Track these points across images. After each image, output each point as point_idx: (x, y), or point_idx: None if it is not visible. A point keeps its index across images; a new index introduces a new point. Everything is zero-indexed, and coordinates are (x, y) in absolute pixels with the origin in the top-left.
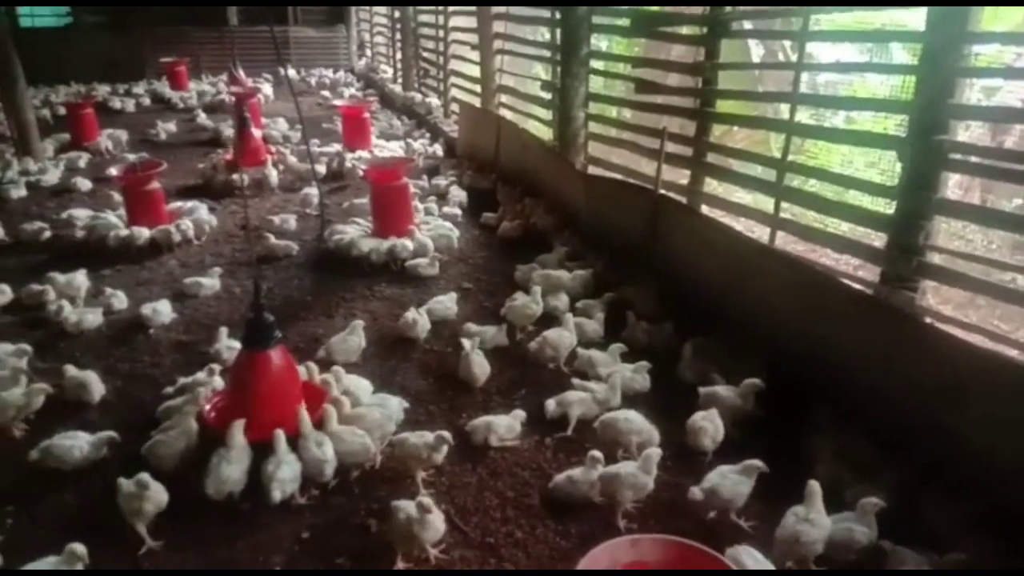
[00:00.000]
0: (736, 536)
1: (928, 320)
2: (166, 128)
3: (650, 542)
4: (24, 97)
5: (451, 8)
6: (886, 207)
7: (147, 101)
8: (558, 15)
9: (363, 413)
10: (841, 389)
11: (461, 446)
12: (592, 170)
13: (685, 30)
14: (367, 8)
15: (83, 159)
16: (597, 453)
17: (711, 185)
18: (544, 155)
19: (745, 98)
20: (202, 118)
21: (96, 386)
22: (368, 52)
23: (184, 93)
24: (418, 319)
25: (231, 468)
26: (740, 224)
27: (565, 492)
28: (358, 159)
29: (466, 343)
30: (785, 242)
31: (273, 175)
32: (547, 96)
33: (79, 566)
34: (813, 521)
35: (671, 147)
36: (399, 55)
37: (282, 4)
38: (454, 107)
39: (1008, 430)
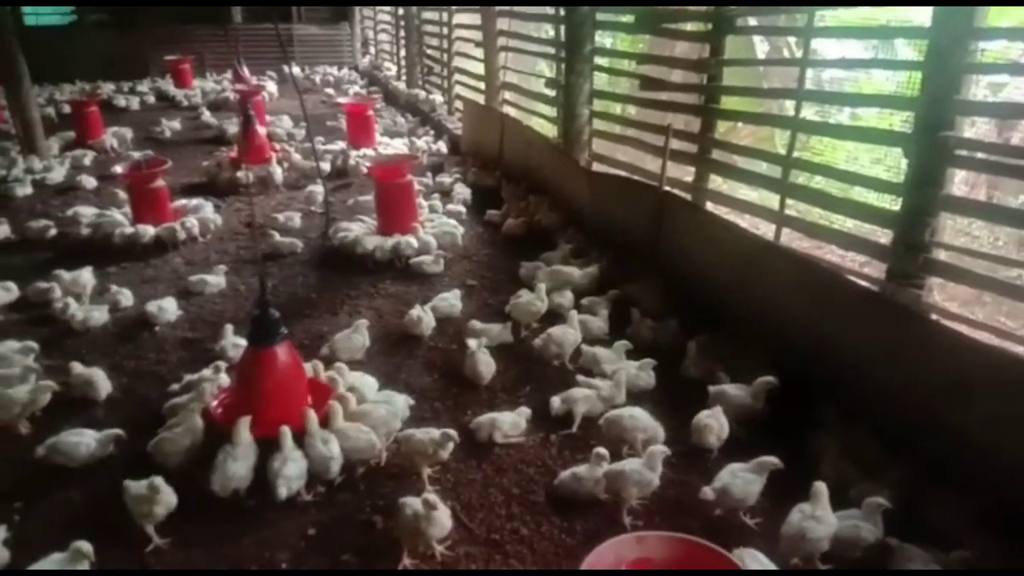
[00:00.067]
0: (742, 533)
1: (934, 317)
2: (171, 126)
3: (656, 539)
4: (29, 95)
5: (455, 5)
6: (892, 203)
7: (151, 99)
8: (562, 12)
9: (368, 410)
10: (846, 386)
11: (466, 443)
12: (596, 167)
13: (690, 26)
14: (371, 5)
15: (88, 157)
16: (602, 450)
17: (716, 182)
18: (548, 152)
19: (750, 94)
20: (206, 116)
21: (102, 383)
22: (372, 49)
23: (188, 91)
24: (423, 316)
25: (237, 465)
26: (745, 221)
27: (570, 489)
28: (362, 156)
29: (472, 343)
30: (790, 239)
31: (278, 173)
32: (551, 93)
33: (85, 563)
34: (819, 518)
35: (676, 144)
36: (403, 52)
37: (287, 4)
38: (458, 104)
39: (1014, 427)
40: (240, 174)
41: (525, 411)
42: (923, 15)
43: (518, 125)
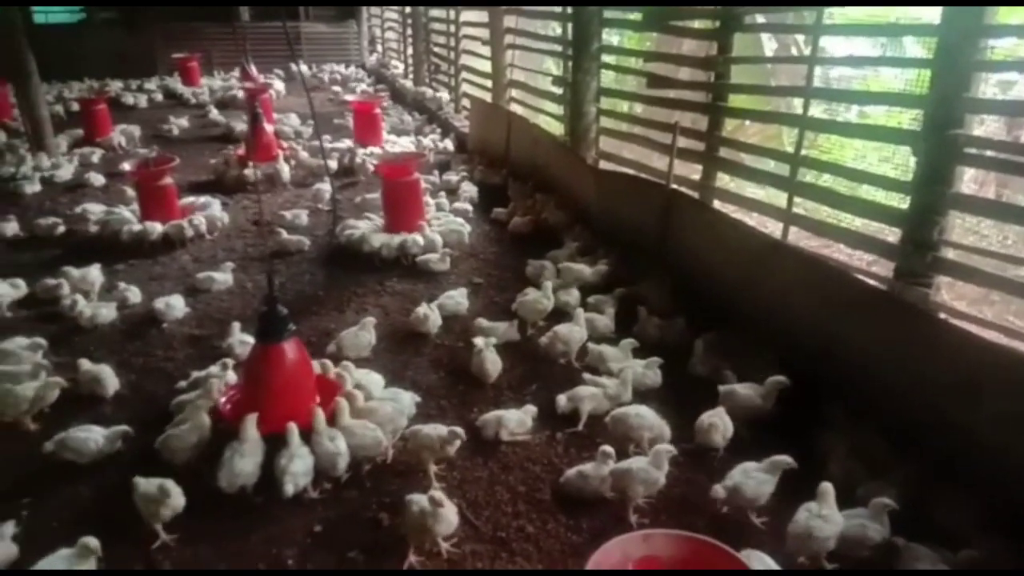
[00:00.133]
0: (748, 532)
1: (942, 316)
2: (178, 124)
3: (663, 537)
4: (38, 93)
5: (463, 5)
6: (900, 202)
7: (159, 97)
8: (569, 9)
9: (375, 407)
10: (854, 385)
11: (472, 441)
12: (603, 165)
13: (698, 24)
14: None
15: (96, 155)
16: (608, 448)
17: (723, 180)
18: (555, 150)
19: (758, 92)
20: (214, 114)
21: (110, 380)
22: (379, 47)
23: (196, 89)
24: (430, 314)
25: (244, 462)
26: (752, 219)
27: (576, 487)
28: (369, 154)
29: (479, 342)
30: (798, 238)
31: (285, 171)
32: (558, 91)
33: (92, 559)
34: (826, 517)
35: (683, 142)
36: (410, 50)
37: (294, 4)
38: (465, 102)
39: (1022, 426)
40: (248, 172)
41: (531, 409)
42: (932, 13)
43: (525, 123)
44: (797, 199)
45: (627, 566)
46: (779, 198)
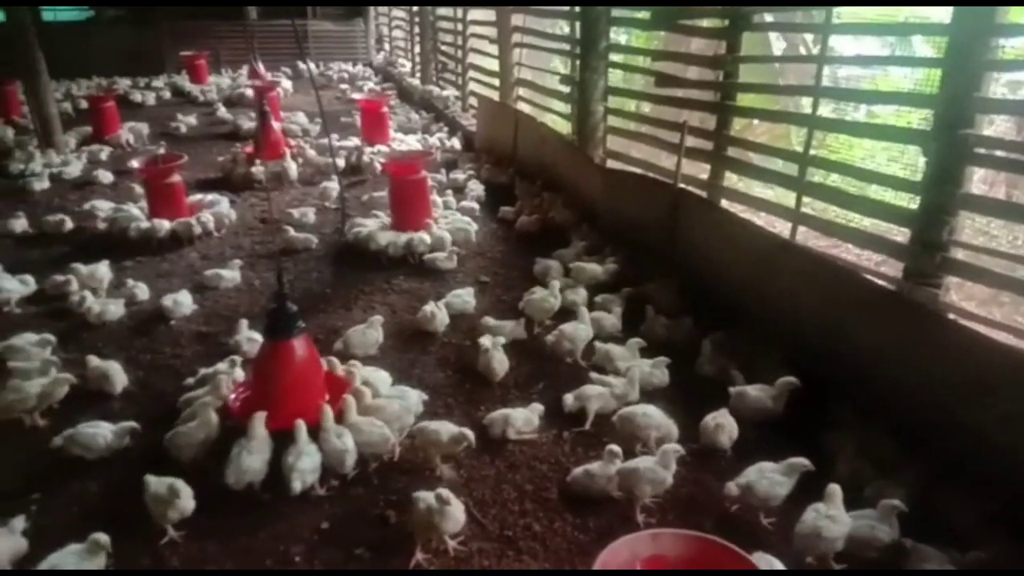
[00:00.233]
0: (755, 532)
1: (951, 316)
2: (186, 122)
3: (671, 536)
4: (47, 90)
5: (471, 6)
6: (909, 202)
7: (167, 95)
8: (577, 8)
9: (382, 405)
10: (862, 385)
11: (479, 439)
12: (611, 164)
13: (706, 23)
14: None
15: (105, 152)
16: (615, 447)
17: (731, 179)
18: (562, 149)
19: (767, 91)
20: (222, 111)
21: (119, 376)
22: (386, 46)
23: (204, 87)
24: (437, 313)
25: (251, 458)
26: (760, 219)
27: (583, 486)
28: (376, 153)
29: (486, 341)
30: (806, 237)
31: (292, 169)
32: (566, 90)
33: (102, 555)
34: (834, 518)
35: (691, 141)
36: (417, 49)
37: (302, 4)
38: (472, 101)
39: None
40: (255, 169)
41: (538, 408)
42: (942, 12)
43: (532, 122)
44: (805, 199)
45: (635, 565)
46: (787, 198)
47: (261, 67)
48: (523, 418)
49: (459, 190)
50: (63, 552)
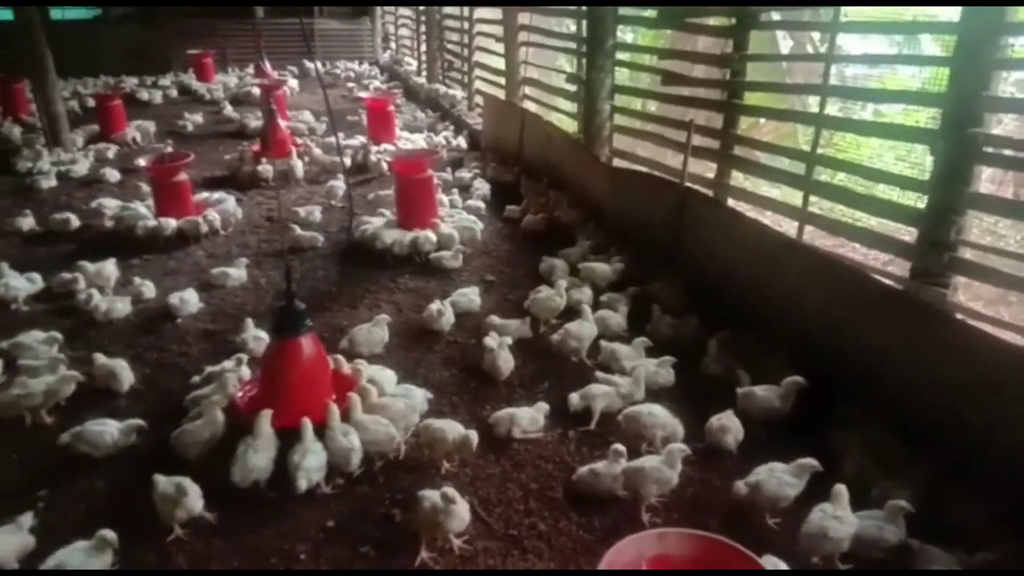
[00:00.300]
0: (761, 532)
1: (959, 316)
2: (193, 120)
3: (676, 536)
4: (55, 89)
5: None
6: (917, 201)
7: (174, 93)
8: (584, 7)
9: (388, 403)
10: (869, 385)
11: (484, 438)
12: (617, 163)
13: (713, 21)
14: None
15: (112, 150)
16: (620, 447)
17: (738, 178)
18: (568, 148)
19: (774, 90)
20: (228, 110)
21: (125, 374)
22: (392, 44)
23: (211, 85)
24: (443, 311)
25: (257, 456)
26: (767, 218)
27: (588, 485)
28: (382, 151)
29: (492, 342)
30: (813, 237)
31: (299, 167)
32: (572, 88)
33: (109, 551)
34: (841, 518)
35: (697, 140)
36: (423, 47)
37: (309, 4)
38: (478, 99)
39: None
40: (262, 168)
41: (543, 407)
42: (950, 11)
43: (538, 120)
44: (812, 198)
45: (641, 565)
46: (794, 197)
47: (268, 66)
48: (528, 417)
49: (465, 189)
50: (70, 549)
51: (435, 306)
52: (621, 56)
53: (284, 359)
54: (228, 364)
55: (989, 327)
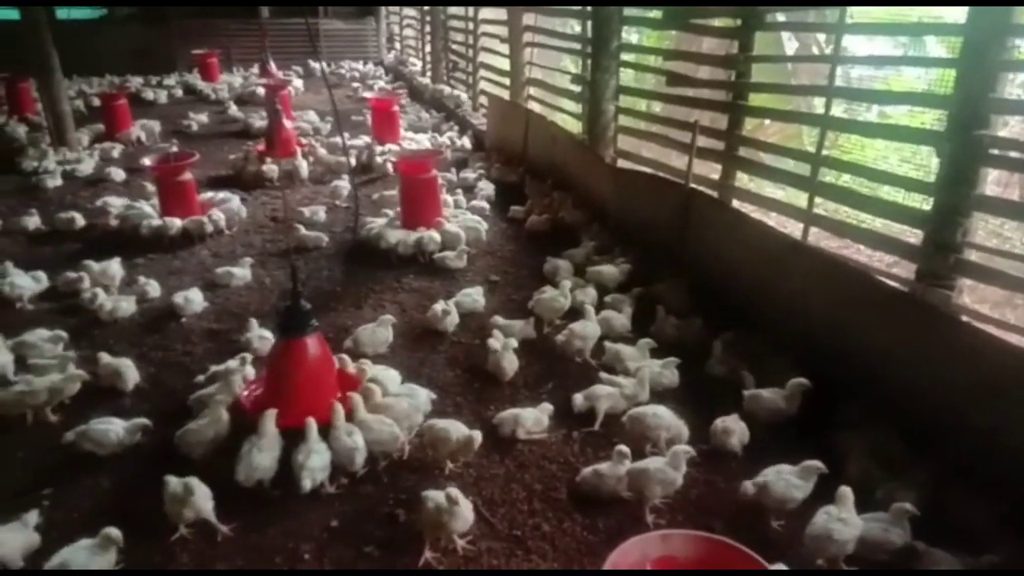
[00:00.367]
0: (765, 534)
1: (964, 319)
2: (198, 120)
3: (681, 537)
4: (60, 88)
5: (483, 5)
6: (922, 203)
7: (179, 93)
8: (589, 7)
9: (391, 403)
10: (873, 387)
11: (489, 438)
12: (622, 164)
13: (718, 22)
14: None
15: (117, 150)
16: (624, 448)
17: (743, 179)
18: (573, 148)
19: (779, 91)
20: (233, 110)
21: (130, 373)
22: (397, 45)
23: (216, 85)
24: (449, 312)
25: (262, 456)
26: (772, 219)
27: (592, 486)
28: (386, 152)
29: (497, 343)
30: (818, 238)
31: (303, 167)
32: (577, 89)
33: (113, 549)
34: (846, 520)
35: (702, 141)
36: (428, 48)
37: (314, 4)
38: (483, 100)
39: None
40: (266, 168)
41: (548, 407)
42: (956, 12)
43: (543, 121)
44: (817, 199)
45: (645, 566)
46: (799, 198)
47: (273, 65)
48: (533, 418)
49: (469, 189)
50: (75, 547)
51: (440, 306)
52: (626, 57)
53: (290, 359)
54: (233, 363)
55: (994, 329)
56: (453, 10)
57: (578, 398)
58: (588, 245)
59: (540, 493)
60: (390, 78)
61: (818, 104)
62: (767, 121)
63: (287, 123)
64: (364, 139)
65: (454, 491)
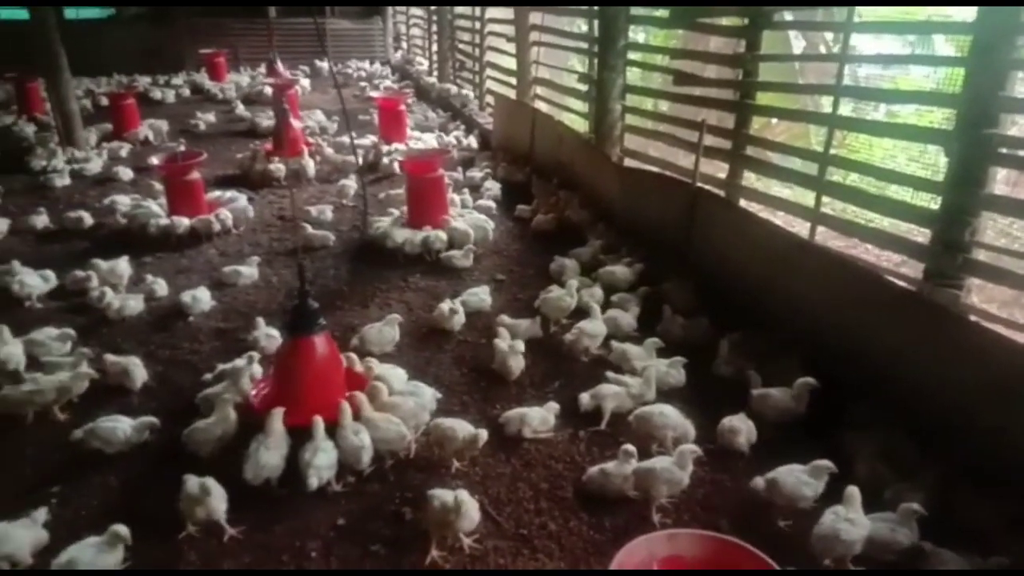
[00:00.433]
0: (772, 533)
1: (972, 318)
2: (205, 119)
3: (688, 537)
4: (68, 88)
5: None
6: (930, 202)
7: (187, 92)
8: (595, 7)
9: (398, 402)
10: (881, 387)
11: (495, 437)
12: (628, 163)
13: (725, 21)
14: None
15: (124, 149)
16: (630, 447)
17: (750, 179)
18: (579, 148)
19: (786, 90)
20: (240, 109)
21: (138, 372)
22: (404, 44)
23: (223, 84)
24: (456, 311)
25: (269, 454)
26: (779, 218)
27: (598, 485)
28: (393, 151)
29: (503, 343)
30: (825, 237)
31: (310, 166)
32: (583, 88)
33: (121, 547)
34: (853, 521)
35: (709, 140)
36: (435, 47)
37: (320, 4)
38: (489, 99)
39: None
40: (273, 167)
41: (554, 406)
42: (965, 11)
43: (549, 120)
44: (825, 198)
45: (652, 565)
46: (806, 197)
47: (280, 65)
48: (539, 417)
49: (476, 188)
50: (82, 544)
51: (447, 305)
52: (633, 56)
53: (298, 357)
54: (240, 362)
55: (1003, 329)
56: (460, 9)
57: (584, 397)
58: (595, 244)
59: (546, 492)
60: (397, 77)
61: (825, 103)
62: (774, 120)
63: (294, 122)
64: (371, 138)
65: (462, 493)
